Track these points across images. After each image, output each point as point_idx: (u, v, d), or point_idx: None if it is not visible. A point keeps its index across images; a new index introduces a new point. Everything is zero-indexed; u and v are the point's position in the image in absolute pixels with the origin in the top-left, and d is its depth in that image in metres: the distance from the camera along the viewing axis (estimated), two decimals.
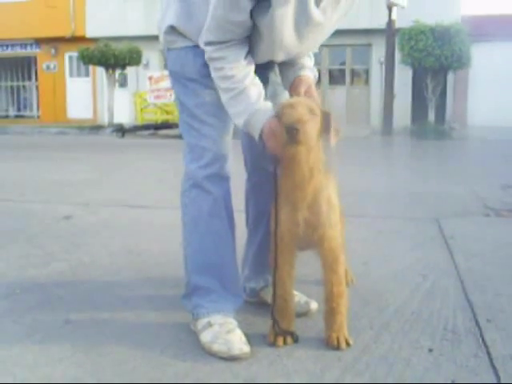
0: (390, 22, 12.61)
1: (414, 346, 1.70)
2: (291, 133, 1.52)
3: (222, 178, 1.79)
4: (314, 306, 1.95)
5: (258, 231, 1.98)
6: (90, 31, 17.56)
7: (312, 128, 1.57)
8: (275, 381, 1.50)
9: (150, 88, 13.36)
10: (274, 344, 1.69)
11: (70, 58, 18.98)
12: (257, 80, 1.66)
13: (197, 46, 1.69)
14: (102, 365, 1.59)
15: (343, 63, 17.32)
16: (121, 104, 16.63)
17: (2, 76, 21.14)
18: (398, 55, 12.73)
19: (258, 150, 1.76)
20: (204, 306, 1.75)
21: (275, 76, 1.89)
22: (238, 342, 1.63)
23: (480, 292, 2.18)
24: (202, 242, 1.79)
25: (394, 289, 2.22)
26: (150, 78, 13.32)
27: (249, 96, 1.62)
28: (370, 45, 16.50)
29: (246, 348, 1.63)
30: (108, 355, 1.65)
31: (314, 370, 1.55)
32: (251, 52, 1.68)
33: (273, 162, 1.71)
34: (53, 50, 19.20)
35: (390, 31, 12.70)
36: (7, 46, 19.90)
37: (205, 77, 1.70)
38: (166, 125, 13.19)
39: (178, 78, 1.79)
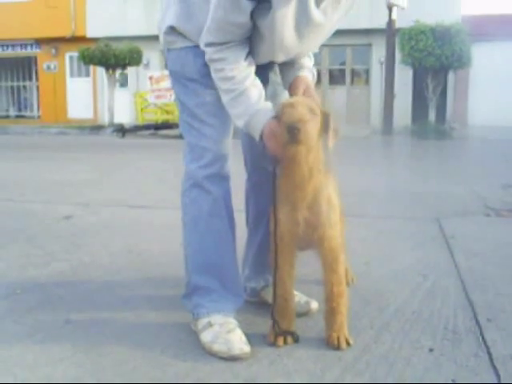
0: (390, 22, 12.62)
1: (414, 346, 1.70)
2: (292, 132, 1.52)
3: (222, 178, 1.79)
4: (314, 305, 1.95)
5: (258, 231, 1.98)
6: (91, 31, 17.57)
7: (312, 128, 1.57)
8: (275, 381, 1.50)
9: (150, 88, 13.39)
10: (274, 344, 1.69)
11: (71, 58, 18.99)
12: (257, 81, 1.67)
13: (197, 46, 1.69)
14: (102, 365, 1.59)
15: (343, 63, 17.32)
16: (121, 104, 16.63)
17: (2, 76, 21.17)
18: (398, 55, 12.73)
19: (258, 150, 1.77)
20: (204, 305, 1.76)
21: (275, 76, 1.90)
22: (238, 341, 1.64)
23: (480, 291, 2.18)
24: (203, 242, 1.79)
25: (394, 288, 2.22)
26: (151, 78, 13.34)
27: (249, 97, 1.62)
28: (370, 45, 16.50)
29: (247, 348, 1.63)
30: (108, 355, 1.65)
31: (315, 369, 1.55)
32: (252, 53, 1.68)
33: (272, 163, 1.71)
34: (53, 50, 19.21)
35: (390, 31, 12.71)
36: (8, 46, 19.92)
37: (205, 77, 1.70)
38: (167, 125, 13.18)
39: (178, 78, 1.79)
